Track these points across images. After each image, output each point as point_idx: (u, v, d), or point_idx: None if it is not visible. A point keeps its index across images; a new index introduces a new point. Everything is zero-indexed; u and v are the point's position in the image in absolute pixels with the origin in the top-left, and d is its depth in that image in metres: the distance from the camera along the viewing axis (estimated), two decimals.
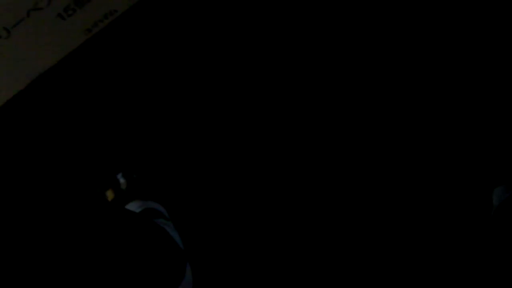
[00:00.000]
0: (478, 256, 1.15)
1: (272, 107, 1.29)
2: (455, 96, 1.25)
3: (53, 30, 1.30)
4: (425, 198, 1.20)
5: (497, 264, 1.08)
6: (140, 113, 1.32)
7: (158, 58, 1.37)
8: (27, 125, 1.32)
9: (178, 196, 1.23)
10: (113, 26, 1.41)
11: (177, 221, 1.21)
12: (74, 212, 0.70)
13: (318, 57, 1.31)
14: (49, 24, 1.28)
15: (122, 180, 1.17)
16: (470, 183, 1.18)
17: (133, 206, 1.12)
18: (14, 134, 1.32)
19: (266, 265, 1.20)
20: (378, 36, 1.30)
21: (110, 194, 1.16)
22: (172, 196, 1.23)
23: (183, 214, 1.22)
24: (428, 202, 1.20)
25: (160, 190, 1.22)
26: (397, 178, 1.22)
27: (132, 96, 1.34)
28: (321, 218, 1.21)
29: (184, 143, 1.28)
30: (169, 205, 1.21)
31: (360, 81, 1.28)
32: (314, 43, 1.32)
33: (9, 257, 0.57)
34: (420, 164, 1.22)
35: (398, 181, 1.21)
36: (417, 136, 1.23)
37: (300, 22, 1.34)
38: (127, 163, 1.22)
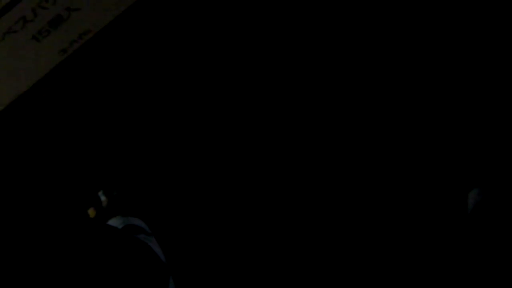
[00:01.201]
0: (454, 256, 1.15)
1: (270, 108, 1.29)
2: (435, 97, 1.25)
3: (28, 52, 1.29)
4: (402, 198, 1.20)
5: (473, 265, 1.09)
6: (118, 130, 1.31)
7: (135, 75, 1.37)
8: (3, 147, 1.31)
9: (159, 210, 1.23)
10: (88, 45, 1.41)
11: (158, 235, 1.20)
12: (56, 229, 0.69)
13: (318, 57, 1.31)
14: (24, 47, 1.28)
15: (103, 198, 1.17)
16: (447, 185, 1.19)
17: (115, 223, 1.11)
18: None
19: (250, 277, 1.20)
20: (378, 36, 1.31)
21: (91, 212, 1.15)
22: (152, 211, 1.22)
23: (165, 229, 1.21)
24: (406, 202, 1.20)
25: (141, 205, 1.22)
26: (380, 178, 1.22)
27: (109, 114, 1.33)
28: (319, 219, 1.21)
29: (163, 156, 1.27)
30: (150, 220, 1.21)
31: (360, 81, 1.29)
32: (314, 43, 1.32)
33: None
34: (399, 164, 1.22)
35: (380, 181, 1.21)
36: (399, 136, 1.23)
37: (300, 22, 1.33)
38: (107, 181, 1.22)
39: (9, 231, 0.60)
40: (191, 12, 1.36)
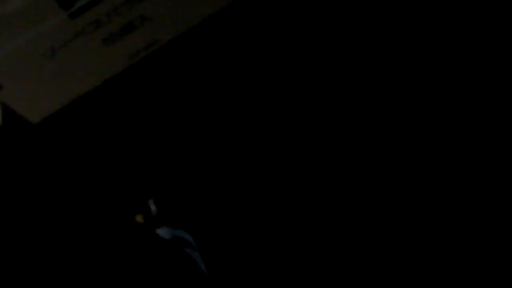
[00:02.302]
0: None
1: (276, 110, 1.26)
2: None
3: (97, 54, 1.30)
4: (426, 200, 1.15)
5: None
6: (180, 142, 1.30)
7: (195, 88, 1.36)
8: (62, 144, 1.31)
9: (205, 226, 1.20)
10: (155, 54, 1.41)
11: (202, 250, 1.17)
12: (106, 232, 0.67)
13: (318, 57, 1.28)
14: (93, 49, 1.28)
15: (153, 207, 1.14)
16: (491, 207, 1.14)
17: (162, 233, 1.08)
18: (47, 152, 1.30)
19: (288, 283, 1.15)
20: (378, 36, 1.27)
21: (140, 219, 1.12)
22: (200, 226, 1.19)
23: (210, 245, 1.18)
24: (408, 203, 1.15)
25: (189, 219, 1.19)
26: (395, 179, 1.17)
27: (169, 124, 1.32)
28: (329, 219, 1.17)
29: (214, 173, 1.25)
30: (196, 235, 1.18)
31: (360, 81, 1.25)
32: (314, 43, 1.30)
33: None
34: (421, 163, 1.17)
35: (396, 182, 1.17)
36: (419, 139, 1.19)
37: (300, 23, 1.32)
38: (158, 190, 1.19)
39: (56, 232, 0.57)
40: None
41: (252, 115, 1.31)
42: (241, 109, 1.32)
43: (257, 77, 1.34)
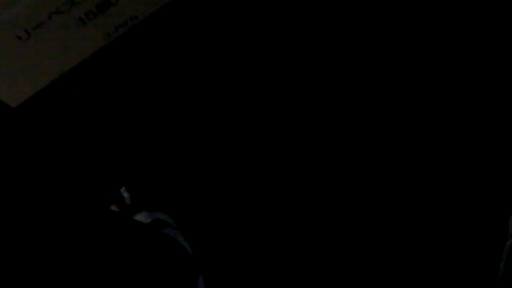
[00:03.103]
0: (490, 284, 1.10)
1: (276, 109, 1.26)
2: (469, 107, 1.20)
3: (73, 33, 1.27)
4: (436, 213, 1.16)
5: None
6: (141, 121, 1.28)
7: (171, 65, 1.34)
8: (36, 129, 1.29)
9: (183, 204, 1.20)
10: (133, 31, 1.38)
11: (183, 229, 1.17)
12: (81, 224, 0.66)
13: (318, 57, 1.26)
14: (69, 28, 1.25)
15: (126, 194, 1.13)
16: (487, 208, 1.14)
17: (140, 218, 1.08)
18: (21, 138, 1.29)
19: (276, 267, 1.16)
20: (378, 36, 1.26)
21: (114, 209, 1.12)
22: (177, 205, 1.19)
23: (189, 222, 1.18)
24: (441, 221, 1.16)
25: (164, 200, 1.19)
26: (398, 181, 1.17)
27: (137, 104, 1.30)
28: (331, 219, 1.17)
29: (183, 151, 1.24)
30: (174, 214, 1.18)
31: (360, 81, 1.24)
32: (314, 43, 1.28)
33: (11, 272, 0.54)
34: (431, 173, 1.18)
35: (398, 185, 1.17)
36: (424, 141, 1.19)
37: (300, 22, 1.29)
38: (129, 177, 1.19)
39: (30, 229, 0.57)
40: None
41: (236, 98, 1.29)
42: (222, 88, 1.30)
43: (245, 55, 1.32)
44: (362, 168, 1.20)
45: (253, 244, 1.17)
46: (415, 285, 1.12)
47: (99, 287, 0.63)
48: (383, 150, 1.20)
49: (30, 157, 1.18)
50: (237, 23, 1.34)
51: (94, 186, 1.18)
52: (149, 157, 1.23)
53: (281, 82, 1.28)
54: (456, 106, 1.21)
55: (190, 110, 1.28)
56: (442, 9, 1.27)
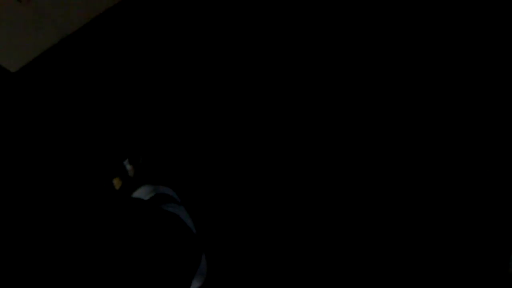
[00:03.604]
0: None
1: (276, 98, 1.21)
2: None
3: None
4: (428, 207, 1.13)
5: None
6: (143, 97, 1.23)
7: (169, 46, 1.28)
8: (36, 96, 1.24)
9: (187, 178, 1.16)
10: None
11: (188, 203, 1.13)
12: (79, 206, 0.63)
13: (318, 57, 1.22)
14: None
15: (128, 167, 1.09)
16: (494, 204, 1.12)
17: (143, 192, 1.04)
18: (21, 104, 1.24)
19: (278, 248, 1.14)
20: (378, 36, 1.21)
21: (117, 182, 1.07)
22: (181, 178, 1.15)
23: (194, 196, 1.14)
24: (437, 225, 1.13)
25: (169, 173, 1.15)
26: (399, 187, 1.14)
27: (142, 72, 1.25)
28: (328, 212, 1.15)
29: (189, 124, 1.20)
30: (179, 188, 1.14)
31: (360, 81, 1.20)
32: (314, 43, 1.23)
33: (9, 247, 0.51)
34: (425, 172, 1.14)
35: (399, 190, 1.14)
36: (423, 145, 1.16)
37: (300, 22, 1.24)
38: (132, 149, 1.14)
39: (31, 204, 0.53)
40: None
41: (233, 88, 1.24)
42: (231, 68, 1.25)
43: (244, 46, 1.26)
44: (363, 166, 1.16)
45: (258, 223, 1.14)
46: (425, 283, 1.11)
47: (93, 270, 0.60)
48: (383, 150, 1.16)
49: (29, 126, 1.14)
50: (238, 15, 1.28)
51: (97, 158, 1.14)
52: (153, 128, 1.18)
53: (286, 73, 1.23)
54: (456, 106, 1.17)
55: (197, 85, 1.23)
56: (442, 9, 1.22)
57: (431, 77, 1.19)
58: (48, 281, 0.53)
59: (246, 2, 1.26)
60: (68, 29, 1.24)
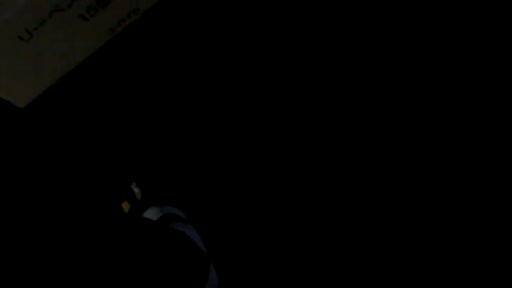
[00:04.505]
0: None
1: (279, 107, 1.22)
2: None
3: (75, 31, 1.24)
4: (423, 199, 1.12)
5: None
6: (150, 116, 1.26)
7: (180, 57, 1.31)
8: (45, 128, 1.28)
9: (194, 197, 1.18)
10: (137, 25, 1.35)
11: (195, 222, 1.15)
12: (88, 227, 0.64)
13: (318, 57, 1.23)
14: (71, 25, 1.23)
15: (136, 190, 1.11)
16: (487, 248, 1.11)
17: (151, 213, 1.06)
18: (31, 138, 1.28)
19: (288, 260, 1.14)
20: (378, 36, 1.22)
21: (126, 206, 1.10)
22: (188, 198, 1.17)
23: (201, 215, 1.16)
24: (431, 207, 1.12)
25: (175, 194, 1.17)
26: (398, 179, 1.14)
27: (145, 99, 1.28)
28: (324, 216, 1.15)
29: (193, 145, 1.22)
30: (186, 208, 1.16)
31: (360, 81, 1.21)
32: (314, 43, 1.25)
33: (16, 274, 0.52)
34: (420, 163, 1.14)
35: (398, 182, 1.14)
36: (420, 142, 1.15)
37: (300, 22, 1.26)
38: (139, 172, 1.16)
39: (33, 228, 0.55)
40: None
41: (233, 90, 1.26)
42: (230, 80, 1.27)
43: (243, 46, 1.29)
44: (363, 168, 1.17)
45: (266, 236, 1.15)
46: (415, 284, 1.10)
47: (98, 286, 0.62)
48: (384, 150, 1.17)
49: (39, 156, 1.17)
50: (239, 14, 1.31)
51: (104, 183, 1.16)
52: (159, 152, 1.21)
53: (287, 73, 1.25)
54: (456, 106, 1.17)
55: (199, 103, 1.26)
56: (442, 9, 1.23)
57: (431, 77, 1.19)
58: None
59: (246, 2, 1.28)
60: (72, 63, 1.27)
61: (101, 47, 1.33)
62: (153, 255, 0.78)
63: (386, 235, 1.12)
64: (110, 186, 1.14)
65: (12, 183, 0.57)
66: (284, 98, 1.23)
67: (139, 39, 1.35)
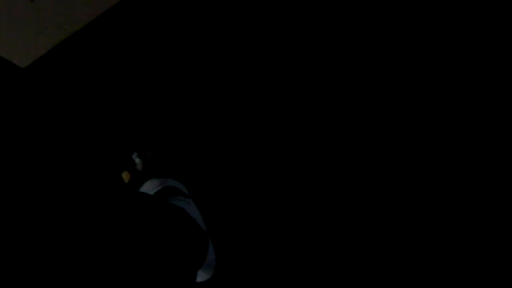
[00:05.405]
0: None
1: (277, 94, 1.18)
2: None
3: None
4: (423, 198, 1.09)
5: None
6: (151, 90, 1.21)
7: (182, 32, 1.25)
8: (46, 91, 1.23)
9: (197, 171, 1.13)
10: None
11: (197, 196, 1.11)
12: (83, 201, 0.60)
13: (318, 57, 1.19)
14: None
15: (137, 160, 1.06)
16: (488, 248, 1.08)
17: (151, 185, 1.01)
18: (31, 99, 1.23)
19: (286, 241, 1.11)
20: (378, 36, 1.18)
21: (126, 176, 1.05)
22: (190, 171, 1.13)
23: (203, 189, 1.12)
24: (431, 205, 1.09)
25: (177, 166, 1.12)
26: (398, 179, 1.11)
27: (151, 65, 1.23)
28: (324, 216, 1.12)
29: (198, 117, 1.17)
30: (187, 181, 1.11)
31: (360, 81, 1.17)
32: (314, 43, 1.20)
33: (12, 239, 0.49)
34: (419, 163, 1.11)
35: (398, 182, 1.11)
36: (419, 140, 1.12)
37: (300, 22, 1.21)
38: (140, 142, 1.12)
39: (37, 198, 0.51)
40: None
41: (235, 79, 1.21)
42: (235, 59, 1.22)
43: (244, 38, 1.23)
44: (364, 168, 1.13)
45: (268, 216, 1.12)
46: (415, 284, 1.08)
47: (94, 264, 0.58)
48: (384, 150, 1.14)
49: (39, 120, 1.13)
50: (240, 15, 1.25)
51: (105, 152, 1.12)
52: (162, 121, 1.16)
53: (289, 70, 1.20)
54: (456, 106, 1.14)
55: (207, 73, 1.21)
56: (442, 9, 1.18)
57: (431, 77, 1.17)
58: (49, 277, 0.51)
59: (246, 2, 1.23)
60: (77, 24, 1.22)
61: (107, 10, 1.27)
62: (150, 233, 0.74)
63: (386, 235, 1.10)
64: (111, 155, 1.10)
65: (10, 144, 0.53)
66: (286, 90, 1.19)
67: (145, 4, 1.29)
